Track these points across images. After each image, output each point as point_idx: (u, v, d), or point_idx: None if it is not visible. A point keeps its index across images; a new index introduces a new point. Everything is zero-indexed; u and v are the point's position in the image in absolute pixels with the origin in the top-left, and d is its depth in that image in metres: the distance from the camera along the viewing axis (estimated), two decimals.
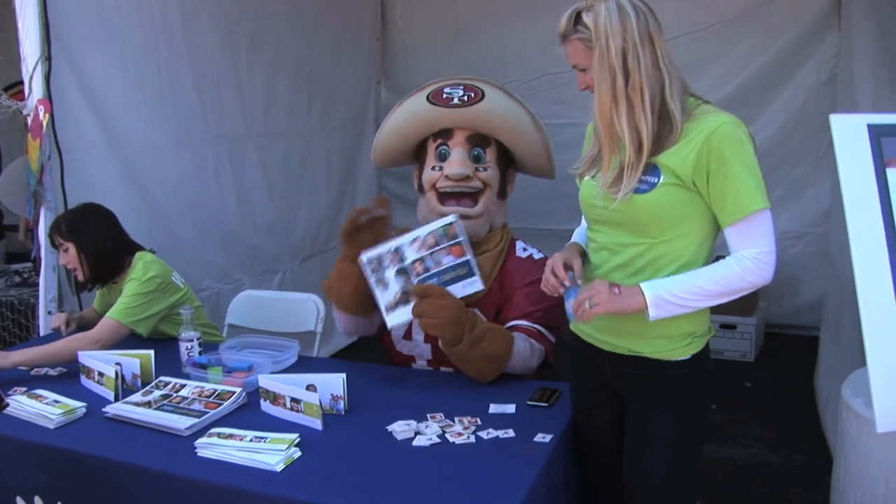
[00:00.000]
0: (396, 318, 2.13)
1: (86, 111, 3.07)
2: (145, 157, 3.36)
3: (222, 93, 3.82)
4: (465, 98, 2.21)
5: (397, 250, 2.13)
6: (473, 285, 2.10)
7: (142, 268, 2.58)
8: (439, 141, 2.29)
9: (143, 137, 3.35)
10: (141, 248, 2.69)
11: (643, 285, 1.60)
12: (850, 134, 1.75)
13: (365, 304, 2.21)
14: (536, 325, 2.17)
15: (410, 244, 2.12)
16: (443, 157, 2.28)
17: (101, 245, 2.59)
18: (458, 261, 2.10)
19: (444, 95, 2.24)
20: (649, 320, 1.58)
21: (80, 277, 2.62)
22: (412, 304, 2.08)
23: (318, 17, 4.55)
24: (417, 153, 2.37)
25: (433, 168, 2.29)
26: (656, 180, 1.60)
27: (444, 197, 2.27)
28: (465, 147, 2.25)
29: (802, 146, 4.46)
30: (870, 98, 3.40)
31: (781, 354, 4.51)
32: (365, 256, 2.15)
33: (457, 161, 2.23)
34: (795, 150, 4.51)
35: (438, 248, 2.11)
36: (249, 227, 4.13)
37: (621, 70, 1.56)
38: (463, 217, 2.17)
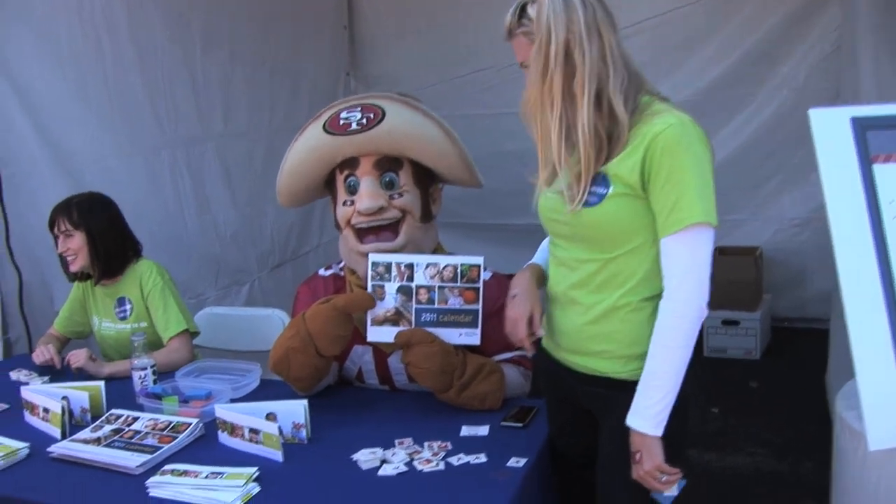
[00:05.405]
0: (379, 335, 2.14)
1: (23, 121, 3.09)
2: (94, 169, 3.37)
3: (176, 93, 3.83)
4: (364, 121, 2.15)
5: (410, 266, 2.14)
6: (471, 337, 2.11)
7: (156, 271, 2.73)
8: (346, 172, 2.24)
9: (90, 148, 3.37)
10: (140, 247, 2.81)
11: (633, 429, 1.62)
12: (831, 129, 1.75)
13: (321, 377, 2.22)
14: (518, 351, 2.20)
15: (426, 268, 2.13)
16: (353, 190, 2.24)
17: (111, 235, 2.69)
18: (467, 307, 2.11)
19: (341, 122, 2.18)
20: (660, 435, 1.61)
21: (76, 267, 2.69)
22: (400, 327, 2.11)
23: (276, 6, 4.55)
24: (329, 185, 2.33)
25: (345, 203, 2.25)
26: (605, 191, 1.62)
27: (361, 233, 2.23)
28: (374, 175, 2.21)
29: (806, 125, 4.44)
30: (873, 73, 3.40)
31: (790, 350, 4.52)
32: (373, 257, 2.15)
33: (367, 193, 2.19)
34: (798, 129, 4.35)
35: (452, 284, 2.12)
36: (212, 236, 4.15)
37: (561, 64, 1.57)
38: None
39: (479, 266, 2.12)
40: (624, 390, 1.66)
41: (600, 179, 1.62)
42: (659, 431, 1.60)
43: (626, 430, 1.64)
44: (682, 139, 1.57)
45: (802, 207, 4.61)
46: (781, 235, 4.73)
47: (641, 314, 1.66)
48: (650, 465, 1.61)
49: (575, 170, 1.65)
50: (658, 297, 1.64)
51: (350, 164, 2.23)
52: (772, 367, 4.35)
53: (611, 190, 1.61)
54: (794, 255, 4.69)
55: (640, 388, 1.63)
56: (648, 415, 1.61)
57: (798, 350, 4.46)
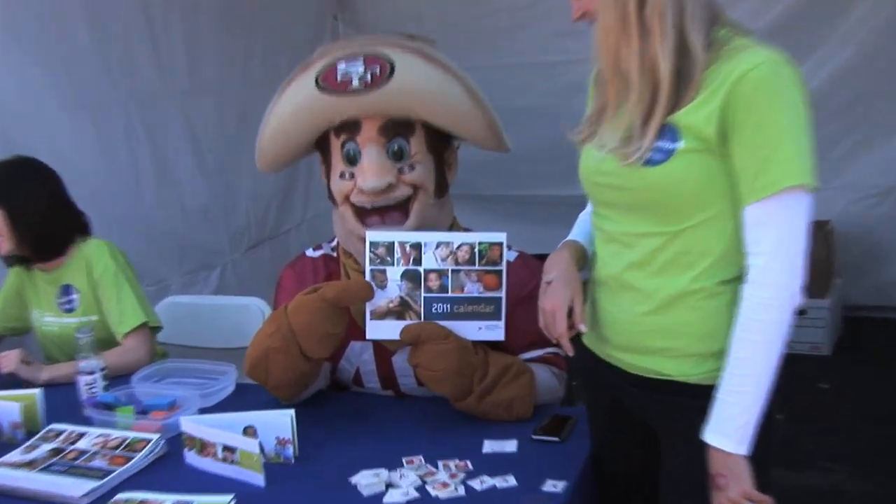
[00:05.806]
0: (380, 332, 2.10)
1: None
2: (30, 126, 3.34)
3: (130, 39, 3.82)
4: (369, 77, 2.05)
5: (416, 247, 2.07)
6: (494, 332, 2.07)
7: (108, 253, 2.66)
8: (344, 136, 2.15)
9: (24, 100, 3.34)
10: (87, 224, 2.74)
11: (714, 447, 1.55)
12: None
13: (308, 383, 2.18)
14: (549, 349, 2.16)
15: (436, 248, 2.07)
16: (352, 160, 2.15)
17: (44, 210, 2.61)
18: (487, 295, 2.06)
19: (340, 77, 2.08)
20: (747, 453, 1.55)
21: (4, 250, 2.63)
22: (407, 321, 2.06)
23: None
24: (320, 145, 2.24)
25: (342, 175, 2.18)
26: (674, 146, 1.54)
27: (363, 213, 2.16)
28: (379, 143, 2.12)
29: (888, 74, 4.38)
30: None
31: (865, 345, 4.52)
32: (372, 236, 2.08)
33: (371, 169, 2.10)
34: (878, 79, 4.48)
35: (469, 268, 2.06)
36: (176, 211, 4.16)
37: None
38: None
39: (501, 244, 2.06)
40: (695, 396, 1.60)
41: (667, 132, 1.55)
42: (744, 449, 1.54)
43: (699, 446, 1.58)
44: (773, 81, 1.49)
45: (882, 175, 4.58)
46: (856, 207, 4.69)
47: (718, 301, 1.59)
48: (737, 492, 1.54)
49: (637, 120, 1.57)
50: (739, 279, 1.57)
51: (349, 126, 2.14)
52: (845, 365, 4.33)
53: (681, 145, 1.54)
54: (870, 232, 4.68)
55: (719, 395, 1.56)
56: (731, 428, 1.54)
57: (875, 344, 4.47)
